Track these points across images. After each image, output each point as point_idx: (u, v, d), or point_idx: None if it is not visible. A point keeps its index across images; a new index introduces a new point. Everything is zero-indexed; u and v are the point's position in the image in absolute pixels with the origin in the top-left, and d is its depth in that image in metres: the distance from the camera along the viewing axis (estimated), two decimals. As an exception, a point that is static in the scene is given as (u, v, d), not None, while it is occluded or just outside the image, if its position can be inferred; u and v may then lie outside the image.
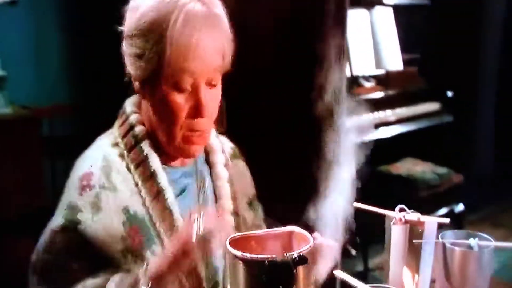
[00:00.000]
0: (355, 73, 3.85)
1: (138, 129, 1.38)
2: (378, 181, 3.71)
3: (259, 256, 0.93)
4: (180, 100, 1.29)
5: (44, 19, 3.27)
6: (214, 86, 1.32)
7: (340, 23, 2.86)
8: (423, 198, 3.55)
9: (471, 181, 4.06)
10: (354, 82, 3.90)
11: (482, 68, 4.52)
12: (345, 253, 3.88)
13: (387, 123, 3.90)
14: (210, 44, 1.27)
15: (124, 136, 1.39)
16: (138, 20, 1.28)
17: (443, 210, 3.78)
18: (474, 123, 4.46)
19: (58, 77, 3.37)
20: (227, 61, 1.33)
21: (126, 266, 1.27)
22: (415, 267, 1.15)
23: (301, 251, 0.94)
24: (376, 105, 3.89)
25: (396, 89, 4.10)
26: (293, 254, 0.91)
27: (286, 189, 2.60)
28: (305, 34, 2.88)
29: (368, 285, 0.90)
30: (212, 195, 1.48)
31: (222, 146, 1.54)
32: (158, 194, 1.34)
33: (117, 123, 1.43)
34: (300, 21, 2.85)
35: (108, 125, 1.46)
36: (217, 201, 1.48)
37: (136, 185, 1.34)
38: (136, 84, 1.35)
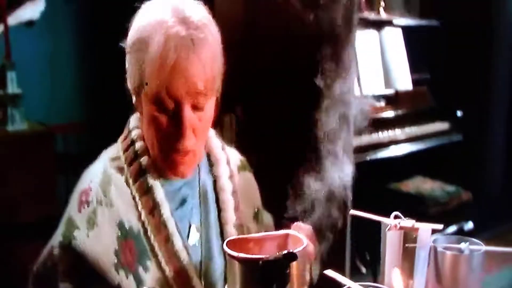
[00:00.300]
0: (364, 93, 3.90)
1: (139, 144, 1.41)
2: (387, 198, 3.75)
3: (253, 256, 0.97)
4: (163, 119, 1.32)
5: (60, 40, 3.35)
6: (202, 109, 1.33)
7: (348, 42, 2.92)
8: (432, 215, 3.58)
9: (482, 199, 4.07)
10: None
11: (493, 87, 4.52)
12: (355, 270, 3.92)
13: (396, 142, 3.94)
14: (191, 68, 1.27)
15: (125, 150, 1.43)
16: (131, 38, 1.33)
17: (453, 227, 3.80)
18: (485, 142, 4.45)
19: (72, 96, 3.45)
20: (214, 85, 1.34)
21: (117, 281, 1.30)
22: (409, 272, 1.18)
23: (293, 251, 0.98)
24: (385, 124, 3.94)
25: (405, 109, 4.14)
26: (284, 252, 0.95)
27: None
28: (314, 52, 2.95)
29: (358, 283, 0.93)
30: (215, 207, 1.50)
31: (227, 158, 1.56)
32: (154, 209, 1.36)
33: (121, 137, 1.47)
34: (309, 40, 2.92)
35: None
36: (220, 213, 1.50)
37: (134, 199, 1.37)
38: (133, 98, 1.40)
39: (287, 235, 1.08)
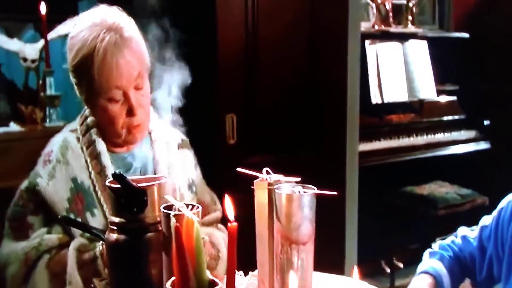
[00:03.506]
0: (386, 100, 4.15)
1: (90, 119, 1.81)
2: (400, 199, 3.96)
3: (118, 185, 1.32)
4: (116, 108, 1.72)
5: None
6: (141, 88, 1.74)
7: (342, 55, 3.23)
8: (441, 216, 3.75)
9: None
10: (385, 109, 4.20)
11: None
12: (380, 270, 4.14)
13: (417, 148, 4.15)
14: (127, 61, 1.68)
15: (81, 124, 1.83)
16: (73, 59, 1.69)
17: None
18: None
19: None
20: (146, 65, 1.75)
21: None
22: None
23: (151, 184, 1.32)
24: (407, 130, 4.18)
25: (430, 117, 4.35)
26: (143, 185, 1.29)
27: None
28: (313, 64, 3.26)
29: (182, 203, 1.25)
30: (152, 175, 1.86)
31: (167, 137, 1.92)
32: (101, 170, 1.76)
33: (80, 115, 1.87)
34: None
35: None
36: None
37: (86, 162, 1.77)
38: (85, 103, 1.78)
39: (159, 177, 1.42)
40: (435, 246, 1.86)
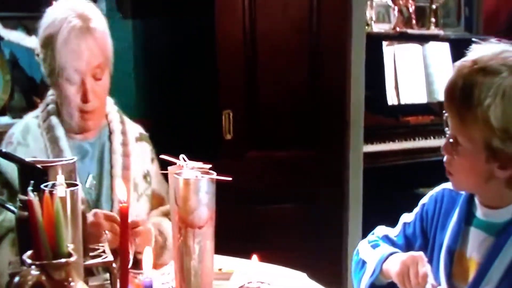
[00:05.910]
0: (403, 102, 4.09)
1: (50, 107, 1.92)
2: (408, 201, 3.88)
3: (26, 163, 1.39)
4: (72, 90, 1.82)
5: (121, 46, 3.81)
6: (100, 79, 1.84)
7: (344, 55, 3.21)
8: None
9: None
10: (402, 110, 4.13)
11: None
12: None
13: (434, 150, 4.07)
14: (88, 49, 1.79)
15: (42, 111, 1.94)
16: (41, 36, 1.84)
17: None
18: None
19: (135, 95, 3.91)
20: (107, 61, 1.85)
21: None
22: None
23: (53, 164, 1.39)
24: (423, 132, 4.10)
25: (450, 119, 4.24)
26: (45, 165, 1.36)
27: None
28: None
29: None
30: (108, 163, 1.96)
31: (123, 129, 2.00)
32: (59, 154, 1.84)
33: (42, 102, 1.98)
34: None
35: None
36: (111, 169, 1.95)
37: (45, 145, 1.87)
38: (48, 79, 1.89)
39: (69, 160, 1.49)
40: (364, 243, 1.81)
